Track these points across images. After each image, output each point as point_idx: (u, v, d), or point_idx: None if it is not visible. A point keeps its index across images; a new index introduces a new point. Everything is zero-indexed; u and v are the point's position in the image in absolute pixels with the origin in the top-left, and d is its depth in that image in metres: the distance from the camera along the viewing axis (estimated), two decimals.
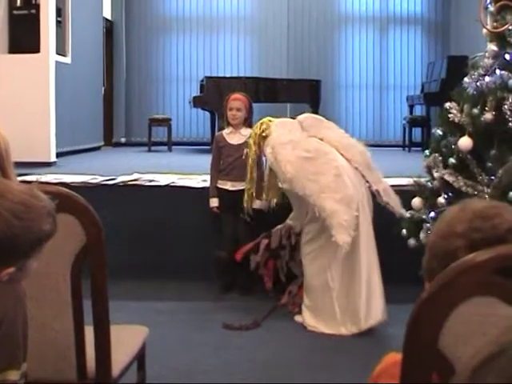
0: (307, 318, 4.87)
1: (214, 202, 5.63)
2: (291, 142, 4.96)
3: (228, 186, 5.61)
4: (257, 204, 5.46)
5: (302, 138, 5.03)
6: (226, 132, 5.70)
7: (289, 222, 5.28)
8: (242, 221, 5.54)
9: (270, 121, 5.22)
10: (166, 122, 11.91)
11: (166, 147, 11.55)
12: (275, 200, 5.34)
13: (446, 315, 1.41)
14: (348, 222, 4.63)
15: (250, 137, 5.29)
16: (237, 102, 5.63)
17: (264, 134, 5.11)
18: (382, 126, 13.19)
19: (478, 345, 0.79)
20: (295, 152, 4.88)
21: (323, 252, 4.84)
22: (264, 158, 5.30)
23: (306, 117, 5.29)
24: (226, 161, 5.62)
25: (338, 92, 13.19)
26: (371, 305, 4.73)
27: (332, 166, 4.83)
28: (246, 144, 5.34)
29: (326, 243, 4.80)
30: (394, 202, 4.96)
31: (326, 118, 5.37)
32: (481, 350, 0.76)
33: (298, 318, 4.97)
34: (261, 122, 5.24)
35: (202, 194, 5.78)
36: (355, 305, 4.75)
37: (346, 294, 4.79)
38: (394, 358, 1.65)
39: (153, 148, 11.44)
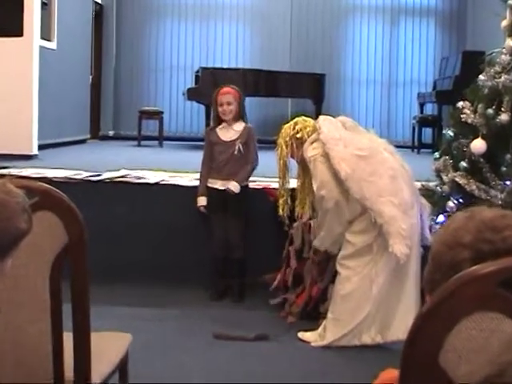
0: (329, 333, 4.73)
1: (202, 201, 5.65)
2: (341, 139, 4.77)
3: (218, 184, 5.62)
4: (232, 185, 5.52)
5: (351, 136, 4.88)
6: (218, 128, 5.68)
7: (315, 243, 5.00)
8: (232, 221, 5.58)
9: (305, 120, 5.08)
10: (157, 115, 11.91)
11: (156, 142, 11.56)
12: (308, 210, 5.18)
13: (448, 330, 1.42)
14: (406, 232, 4.55)
15: (279, 137, 5.11)
16: (226, 95, 5.59)
17: (298, 136, 4.98)
18: (390, 124, 13.20)
19: (479, 363, 0.79)
20: (348, 150, 4.71)
21: (371, 263, 4.70)
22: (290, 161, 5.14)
23: (346, 118, 5.12)
24: (218, 158, 5.63)
25: (343, 87, 13.20)
26: (408, 320, 4.53)
27: (387, 167, 4.71)
28: (277, 144, 5.11)
29: (376, 255, 4.70)
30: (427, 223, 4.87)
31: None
32: (480, 368, 0.77)
33: (305, 337, 4.81)
34: (294, 121, 5.10)
35: (193, 193, 5.78)
36: (391, 315, 4.70)
37: (386, 305, 4.70)
38: (391, 374, 1.66)
39: (143, 143, 11.45)
